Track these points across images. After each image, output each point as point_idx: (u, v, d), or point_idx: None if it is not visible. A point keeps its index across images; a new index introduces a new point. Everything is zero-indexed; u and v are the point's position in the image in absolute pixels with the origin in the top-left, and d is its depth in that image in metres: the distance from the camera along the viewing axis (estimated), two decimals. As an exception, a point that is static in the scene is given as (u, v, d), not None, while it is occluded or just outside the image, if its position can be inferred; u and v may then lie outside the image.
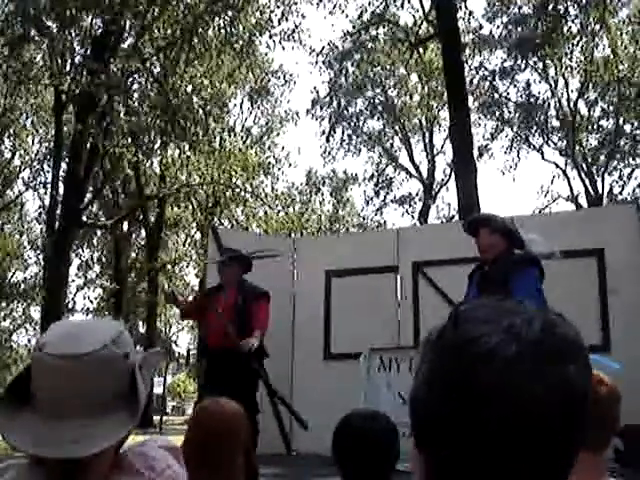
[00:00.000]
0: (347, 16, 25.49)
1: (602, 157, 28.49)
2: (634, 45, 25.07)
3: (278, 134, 30.96)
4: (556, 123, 28.55)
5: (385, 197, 33.03)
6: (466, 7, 21.70)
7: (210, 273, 9.98)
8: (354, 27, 24.39)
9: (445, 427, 0.79)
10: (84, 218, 22.24)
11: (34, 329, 43.29)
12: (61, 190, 22.31)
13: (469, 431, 0.77)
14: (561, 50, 25.22)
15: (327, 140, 30.01)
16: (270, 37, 22.41)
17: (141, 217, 28.12)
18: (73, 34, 21.02)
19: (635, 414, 4.73)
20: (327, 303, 9.85)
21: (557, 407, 0.76)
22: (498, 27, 26.29)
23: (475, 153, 16.75)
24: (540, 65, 27.27)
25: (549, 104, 28.12)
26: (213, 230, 10.58)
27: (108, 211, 28.33)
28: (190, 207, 28.45)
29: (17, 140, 30.63)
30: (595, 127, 28.36)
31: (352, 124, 30.55)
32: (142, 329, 31.68)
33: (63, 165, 23.04)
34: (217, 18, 20.77)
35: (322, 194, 35.59)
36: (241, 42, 21.96)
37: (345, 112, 30.07)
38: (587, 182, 28.24)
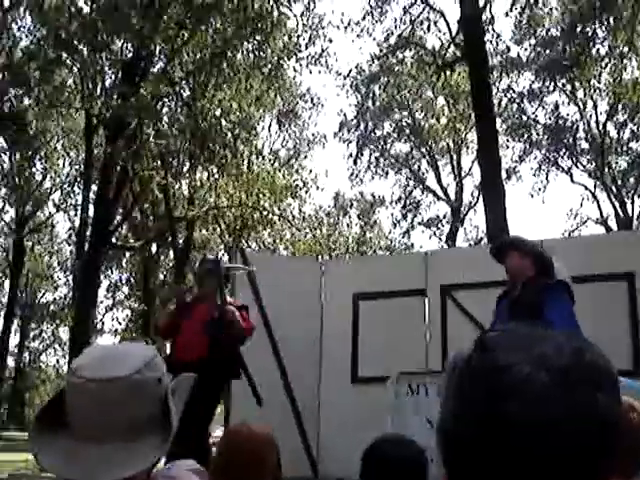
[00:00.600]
0: (374, 39, 25.64)
1: (632, 179, 28.25)
2: (663, 66, 24.90)
3: (306, 157, 31.07)
4: (585, 145, 28.40)
5: (413, 220, 33.00)
6: (493, 30, 21.74)
7: (238, 295, 10.00)
8: (381, 50, 24.48)
9: (476, 459, 0.78)
10: (113, 240, 22.44)
11: (63, 350, 43.73)
12: (91, 212, 22.55)
13: (500, 463, 0.76)
14: (590, 72, 25.10)
15: (354, 163, 30.10)
16: (297, 61, 22.58)
17: (169, 239, 28.27)
18: (104, 58, 21.32)
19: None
20: (355, 326, 9.79)
21: (588, 437, 0.76)
22: (526, 50, 26.29)
23: (503, 175, 16.66)
24: (568, 87, 27.15)
25: (578, 126, 27.99)
26: (241, 252, 10.61)
27: (137, 233, 28.53)
28: (218, 229, 28.56)
29: (48, 163, 31.08)
30: (624, 149, 28.14)
31: (379, 147, 30.59)
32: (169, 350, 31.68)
33: (93, 187, 23.31)
34: (245, 42, 20.95)
35: (349, 217, 35.61)
36: (269, 66, 22.13)
37: (372, 135, 30.14)
38: (617, 204, 28.00)
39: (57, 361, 48.84)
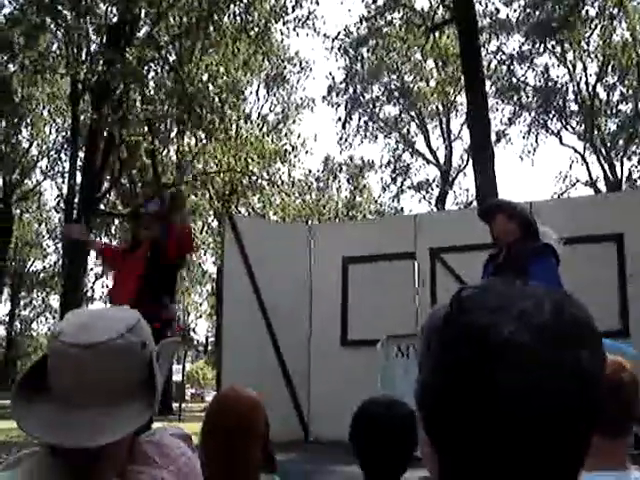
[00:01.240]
0: (362, 1, 25.34)
1: (621, 141, 28.26)
2: (653, 28, 24.79)
3: (294, 121, 30.86)
4: (574, 107, 28.36)
5: (402, 183, 33.01)
6: (483, -10, 21.54)
7: (228, 260, 10.01)
8: (369, 12, 24.24)
9: (459, 420, 0.76)
10: (102, 207, 22.34)
11: (54, 317, 43.76)
12: (79, 179, 22.43)
13: (484, 422, 0.74)
14: (579, 34, 24.97)
15: (343, 127, 29.97)
16: (285, 24, 22.36)
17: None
18: (88, 23, 21.06)
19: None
20: (344, 290, 9.84)
21: (573, 394, 0.74)
22: (515, 11, 26.11)
23: (493, 138, 16.61)
24: (558, 49, 27.03)
25: (567, 88, 27.92)
26: (230, 218, 10.60)
27: (125, 199, 28.41)
28: (207, 195, 28.47)
29: (34, 129, 30.83)
30: (614, 111, 28.11)
31: (368, 110, 30.46)
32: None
33: (80, 154, 23.16)
34: (232, 5, 20.73)
35: (339, 181, 35.54)
36: (256, 29, 21.92)
37: (361, 98, 29.99)
38: (606, 167, 28.04)
39: (48, 329, 48.86)
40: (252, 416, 2.04)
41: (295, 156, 28.12)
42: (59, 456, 1.39)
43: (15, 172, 31.81)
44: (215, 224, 29.17)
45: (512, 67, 27.19)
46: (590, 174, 29.10)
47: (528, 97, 28.09)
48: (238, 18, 21.33)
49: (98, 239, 23.95)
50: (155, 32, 20.85)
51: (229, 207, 26.34)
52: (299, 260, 10.01)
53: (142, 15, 20.88)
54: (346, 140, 30.50)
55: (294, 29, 22.59)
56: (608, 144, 28.13)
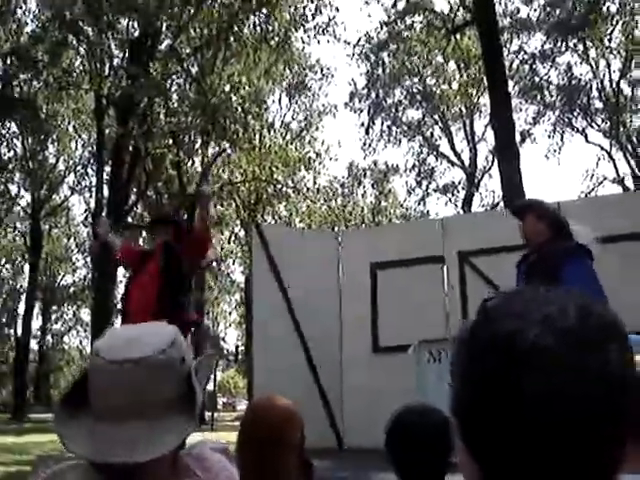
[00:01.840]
0: (382, 5, 25.34)
1: (647, 137, 27.96)
2: (675, 22, 24.53)
3: (317, 128, 30.91)
4: (599, 105, 28.10)
5: (427, 187, 32.88)
6: (502, -10, 21.47)
7: (256, 268, 10.04)
8: (389, 17, 24.25)
9: (490, 428, 0.77)
10: (129, 219, 22.51)
11: (85, 331, 44.17)
12: (106, 193, 22.61)
13: (513, 429, 0.75)
14: (601, 31, 24.78)
15: (367, 132, 29.96)
16: (305, 32, 22.45)
17: (185, 216, 28.33)
18: (110, 38, 21.27)
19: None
20: (373, 296, 9.81)
21: (599, 398, 0.74)
22: (535, 10, 25.97)
23: (517, 138, 16.51)
24: (580, 47, 26.83)
25: (591, 86, 27.67)
26: (257, 226, 10.64)
27: (152, 211, 28.58)
28: (233, 204, 28.59)
29: (60, 145, 31.14)
30: (639, 107, 27.82)
31: (391, 115, 30.42)
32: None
33: (106, 168, 23.35)
34: (252, 15, 20.85)
35: (364, 186, 35.48)
36: (277, 38, 22.03)
37: (384, 103, 29.96)
38: (633, 163, 27.74)
39: (80, 342, 49.43)
40: (284, 426, 2.03)
41: (319, 163, 28.19)
42: (102, 471, 1.40)
43: (43, 188, 32.10)
44: (242, 233, 29.29)
45: (534, 66, 27.04)
46: (617, 171, 28.82)
47: (552, 96, 27.88)
48: (258, 28, 21.47)
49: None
50: (177, 45, 21.02)
51: (255, 216, 26.45)
52: (328, 267, 10.01)
53: (163, 28, 21.05)
54: (370, 145, 30.51)
55: (314, 37, 22.71)
56: (634, 140, 27.84)
